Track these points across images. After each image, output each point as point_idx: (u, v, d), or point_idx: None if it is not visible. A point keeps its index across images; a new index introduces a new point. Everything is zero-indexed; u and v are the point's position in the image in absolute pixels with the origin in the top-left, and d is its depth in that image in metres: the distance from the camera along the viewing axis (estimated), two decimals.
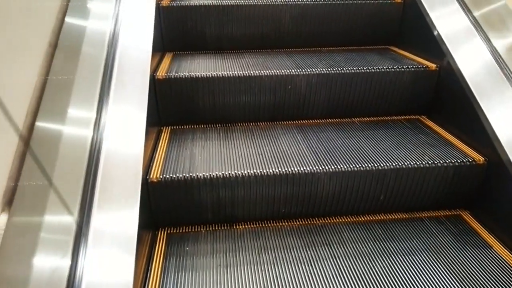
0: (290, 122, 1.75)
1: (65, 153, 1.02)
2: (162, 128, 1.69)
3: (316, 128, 1.69)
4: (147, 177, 1.29)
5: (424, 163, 1.39)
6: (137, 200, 1.05)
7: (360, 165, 1.37)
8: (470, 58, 1.56)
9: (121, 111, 1.23)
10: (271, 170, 1.35)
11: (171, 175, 1.31)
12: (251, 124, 1.74)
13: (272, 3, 1.94)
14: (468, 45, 1.59)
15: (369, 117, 1.79)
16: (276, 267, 1.23)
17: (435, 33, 1.71)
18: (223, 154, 1.46)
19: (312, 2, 1.96)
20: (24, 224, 0.89)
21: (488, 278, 1.20)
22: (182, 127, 1.71)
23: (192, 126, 1.71)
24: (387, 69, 1.70)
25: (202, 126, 1.72)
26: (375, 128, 1.68)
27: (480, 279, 1.19)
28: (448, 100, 1.66)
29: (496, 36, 1.53)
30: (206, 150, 1.50)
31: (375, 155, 1.44)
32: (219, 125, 1.72)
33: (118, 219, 1.02)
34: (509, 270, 1.23)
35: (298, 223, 1.44)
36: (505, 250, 1.30)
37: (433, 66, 1.71)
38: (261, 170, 1.35)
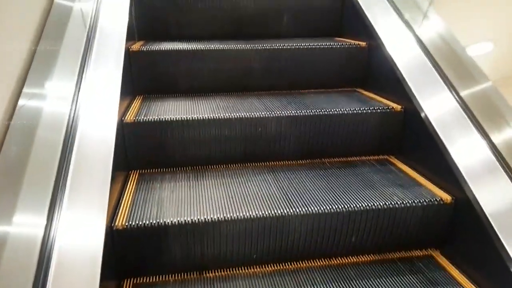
0: (261, 164, 1.75)
1: None
2: (130, 172, 1.65)
3: (287, 170, 1.68)
4: (112, 224, 1.24)
5: (393, 203, 1.40)
6: (100, 254, 1.00)
7: (330, 207, 1.37)
8: (433, 99, 1.62)
9: (87, 156, 1.20)
10: (241, 214, 1.32)
11: (137, 222, 1.26)
12: (222, 166, 1.72)
13: (242, 47, 1.98)
14: (431, 87, 1.65)
15: (338, 157, 1.81)
16: None
17: (399, 75, 1.77)
18: (192, 198, 1.43)
19: (280, 47, 2.02)
20: None
21: None
22: (151, 170, 1.67)
23: (161, 170, 1.68)
24: (355, 111, 1.74)
25: (172, 169, 1.69)
26: (345, 169, 1.70)
27: None
28: (415, 140, 1.70)
29: (457, 77, 1.61)
30: (175, 194, 1.46)
31: (345, 196, 1.44)
32: (189, 168, 1.70)
33: (80, 271, 0.97)
34: None
35: (270, 268, 1.40)
36: None
37: (398, 107, 1.76)
38: (231, 214, 1.32)
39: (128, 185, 1.52)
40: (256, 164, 1.74)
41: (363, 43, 2.08)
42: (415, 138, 1.70)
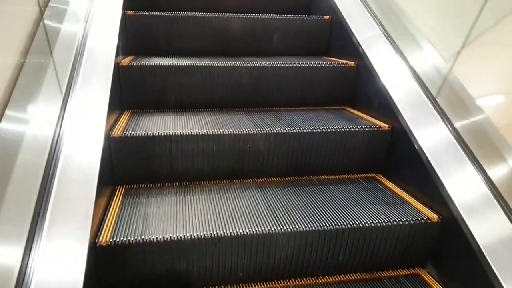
0: (249, 181, 1.74)
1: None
2: (116, 187, 1.63)
3: (275, 187, 1.68)
4: (96, 241, 1.21)
5: (380, 221, 1.40)
6: (82, 272, 0.98)
7: (318, 224, 1.36)
8: (420, 119, 1.64)
9: (73, 169, 1.18)
10: (228, 231, 1.31)
11: (121, 238, 1.24)
12: (210, 182, 1.71)
13: (231, 64, 2.00)
14: (417, 106, 1.67)
15: (326, 175, 1.81)
16: None
17: (387, 94, 1.79)
18: (179, 214, 1.41)
19: (270, 65, 2.04)
20: None
21: None
22: (138, 186, 1.65)
23: (148, 185, 1.66)
24: (343, 129, 1.75)
25: (159, 185, 1.67)
26: (333, 186, 1.70)
27: None
28: (402, 159, 1.72)
29: (444, 96, 1.63)
30: (162, 210, 1.44)
31: (332, 214, 1.44)
32: (176, 184, 1.68)
33: None
34: None
35: (257, 287, 1.38)
36: None
37: (386, 126, 1.78)
38: (217, 231, 1.30)
39: (114, 201, 1.50)
40: (244, 180, 1.74)
41: (351, 63, 2.12)
42: (402, 157, 1.71)
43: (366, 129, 1.77)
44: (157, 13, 2.25)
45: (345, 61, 2.14)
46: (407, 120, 1.66)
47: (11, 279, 0.88)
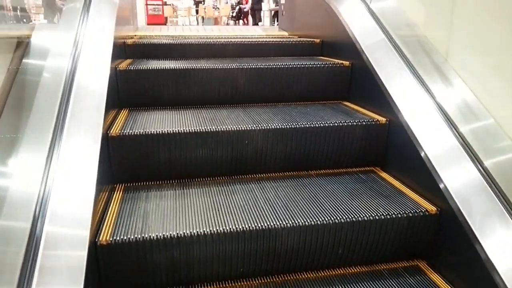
0: (248, 176, 1.74)
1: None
2: (115, 185, 1.63)
3: (274, 182, 1.68)
4: (96, 240, 1.22)
5: (379, 215, 1.41)
6: (82, 271, 0.98)
7: (317, 219, 1.37)
8: (417, 112, 1.64)
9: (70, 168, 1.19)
10: (228, 228, 1.31)
11: (122, 237, 1.24)
12: (209, 179, 1.72)
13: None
14: (414, 99, 1.68)
15: (325, 169, 1.81)
16: None
17: (383, 89, 1.79)
18: (178, 211, 1.42)
19: (266, 67, 2.06)
20: None
21: None
22: (137, 184, 1.66)
23: (147, 183, 1.67)
24: (340, 123, 1.76)
25: (158, 182, 1.68)
26: (331, 180, 1.71)
27: None
28: (399, 151, 1.72)
29: (438, 89, 1.63)
30: (161, 208, 1.45)
31: (332, 208, 1.44)
32: (175, 181, 1.69)
33: None
34: None
35: (257, 281, 1.39)
36: None
37: (383, 120, 1.79)
38: (217, 228, 1.31)
39: (113, 199, 1.51)
40: (243, 176, 1.74)
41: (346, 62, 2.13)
42: (399, 149, 1.72)
43: (363, 123, 1.78)
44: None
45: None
46: (403, 112, 1.65)
47: None
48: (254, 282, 1.39)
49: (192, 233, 1.28)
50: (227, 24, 15.56)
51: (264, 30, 4.10)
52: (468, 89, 1.56)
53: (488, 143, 1.46)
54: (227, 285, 1.37)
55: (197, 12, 17.28)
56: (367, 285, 1.37)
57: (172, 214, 1.40)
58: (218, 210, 1.43)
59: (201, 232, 1.29)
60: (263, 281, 1.39)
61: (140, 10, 8.35)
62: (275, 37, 3.01)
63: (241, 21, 14.98)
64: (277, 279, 1.40)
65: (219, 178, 1.73)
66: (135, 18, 3.49)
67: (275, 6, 9.01)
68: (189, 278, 1.35)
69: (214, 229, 1.30)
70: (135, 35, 2.98)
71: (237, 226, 1.32)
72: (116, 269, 1.28)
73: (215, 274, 1.37)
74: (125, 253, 1.26)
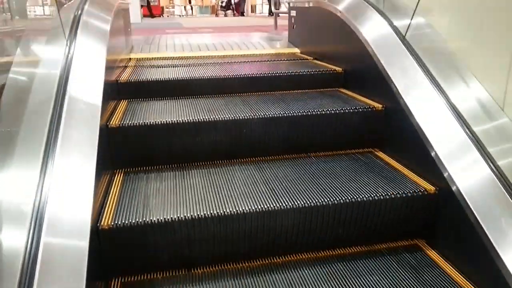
0: (247, 159, 1.75)
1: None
2: (115, 171, 1.63)
3: (273, 164, 1.69)
4: (98, 224, 1.23)
5: (378, 195, 1.42)
6: (85, 254, 0.99)
7: (316, 200, 1.38)
8: (415, 97, 1.63)
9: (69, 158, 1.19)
10: (228, 210, 1.32)
11: (123, 221, 1.25)
12: (208, 163, 1.72)
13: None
14: (412, 83, 1.67)
15: (324, 151, 1.82)
16: None
17: (381, 75, 1.78)
18: (178, 195, 1.43)
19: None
20: None
21: None
22: (137, 169, 1.66)
23: (147, 168, 1.67)
24: (338, 111, 1.79)
25: (158, 167, 1.68)
26: (330, 162, 1.71)
27: None
28: (398, 133, 1.72)
29: (443, 76, 1.62)
30: (161, 192, 1.46)
31: (331, 189, 1.45)
32: (175, 165, 1.69)
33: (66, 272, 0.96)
34: None
35: (258, 263, 1.41)
36: (464, 279, 1.32)
37: (379, 106, 1.80)
38: (217, 210, 1.32)
39: (114, 185, 1.51)
40: (242, 159, 1.75)
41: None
42: (398, 131, 1.72)
43: (361, 110, 1.81)
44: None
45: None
46: (402, 98, 1.64)
47: None
48: (255, 263, 1.40)
49: (193, 216, 1.29)
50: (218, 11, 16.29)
51: (272, 47, 3.47)
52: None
53: (488, 124, 1.47)
54: (228, 266, 1.39)
55: (189, 1, 17.75)
56: (367, 264, 1.39)
57: (173, 198, 1.41)
58: (218, 193, 1.44)
59: (201, 215, 1.30)
60: (263, 262, 1.41)
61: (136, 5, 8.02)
62: (288, 61, 2.75)
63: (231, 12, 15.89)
64: (278, 259, 1.42)
65: (218, 161, 1.74)
66: (129, 35, 3.21)
67: None
68: (190, 260, 1.37)
69: (215, 212, 1.31)
70: (129, 64, 2.65)
71: (237, 209, 1.33)
72: (118, 252, 1.30)
73: (217, 256, 1.38)
74: (127, 237, 1.27)
